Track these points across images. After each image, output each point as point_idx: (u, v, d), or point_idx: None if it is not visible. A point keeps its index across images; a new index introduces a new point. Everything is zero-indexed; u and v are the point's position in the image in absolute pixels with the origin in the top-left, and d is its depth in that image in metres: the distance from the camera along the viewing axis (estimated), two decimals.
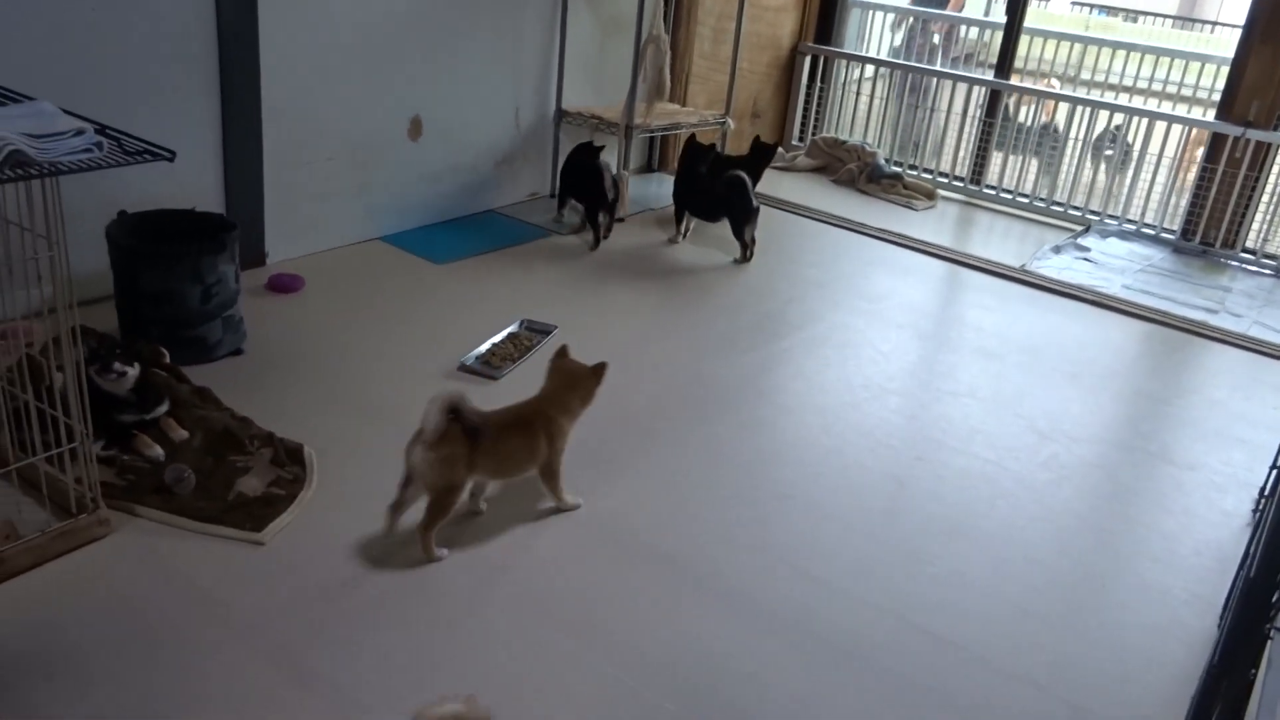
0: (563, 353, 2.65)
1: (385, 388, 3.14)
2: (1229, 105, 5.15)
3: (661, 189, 5.43)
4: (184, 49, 3.44)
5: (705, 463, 2.94)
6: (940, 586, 2.51)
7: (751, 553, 2.56)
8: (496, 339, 3.47)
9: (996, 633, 2.37)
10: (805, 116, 6.47)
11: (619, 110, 4.77)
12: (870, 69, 6.56)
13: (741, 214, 4.44)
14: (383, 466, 2.74)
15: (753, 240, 4.51)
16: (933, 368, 3.79)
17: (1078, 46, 8.13)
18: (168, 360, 2.97)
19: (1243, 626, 1.44)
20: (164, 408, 2.70)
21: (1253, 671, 1.13)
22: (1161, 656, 2.35)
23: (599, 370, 2.62)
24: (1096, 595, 2.56)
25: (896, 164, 6.15)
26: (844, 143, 6.18)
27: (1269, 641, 1.15)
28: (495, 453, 2.41)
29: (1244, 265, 5.21)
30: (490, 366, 3.29)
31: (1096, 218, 5.64)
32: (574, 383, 2.61)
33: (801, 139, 6.49)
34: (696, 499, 2.76)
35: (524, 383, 3.23)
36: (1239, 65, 5.10)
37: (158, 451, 2.59)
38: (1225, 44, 5.32)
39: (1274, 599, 1.21)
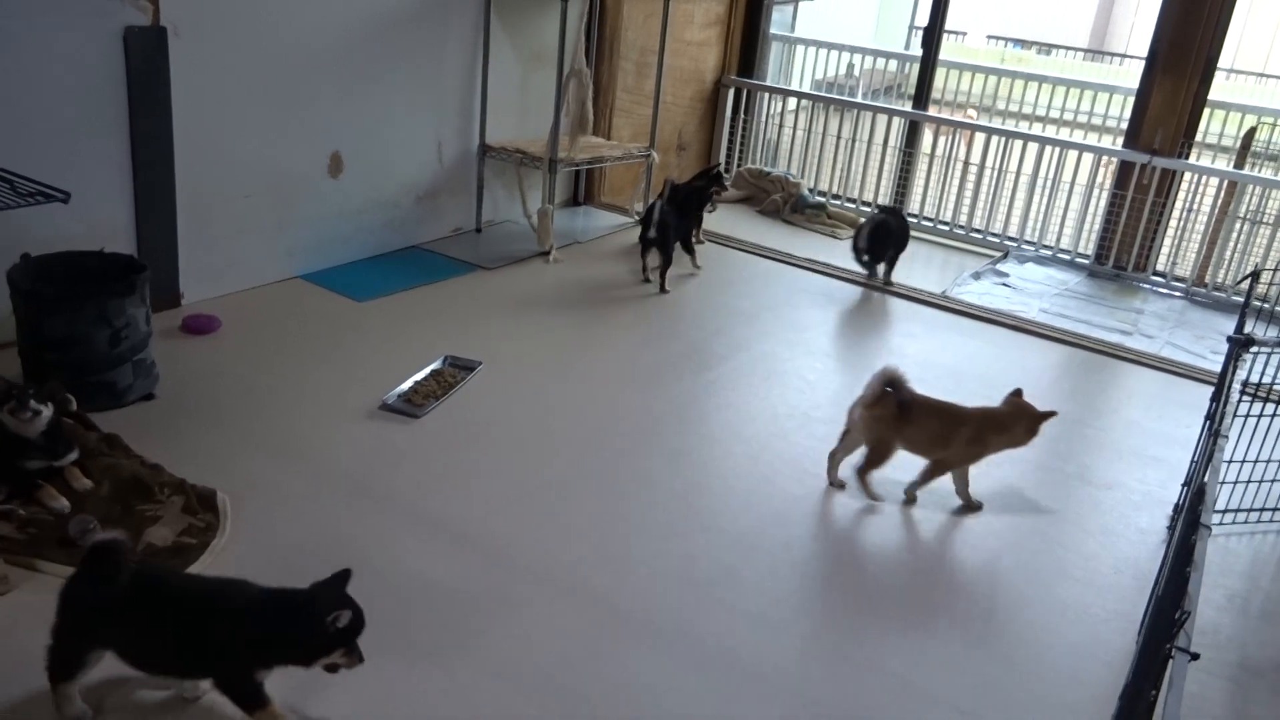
0: (1019, 393, 3.00)
1: (304, 429, 3.07)
2: (1136, 134, 5.33)
3: (588, 222, 5.43)
4: (91, 88, 3.36)
5: (634, 496, 2.92)
6: (868, 614, 2.52)
7: (682, 587, 2.54)
8: (419, 376, 3.42)
9: (924, 658, 2.37)
10: (730, 148, 6.55)
11: (543, 144, 4.77)
12: (793, 101, 6.67)
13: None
14: (301, 510, 2.68)
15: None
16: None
17: (993, 78, 8.39)
18: (74, 407, 2.87)
19: (1153, 646, 1.46)
20: (74, 455, 2.60)
21: (1154, 692, 1.15)
22: (1084, 676, 2.38)
23: (1044, 417, 2.93)
24: (1019, 617, 2.59)
25: (820, 194, 6.24)
26: (768, 174, 6.26)
27: (1170, 661, 1.16)
28: (917, 428, 2.92)
29: (1155, 288, 5.37)
30: (412, 404, 3.24)
31: (1014, 244, 5.78)
32: (1019, 416, 2.94)
33: (727, 170, 6.56)
34: (626, 533, 2.74)
35: (449, 421, 3.20)
36: (1143, 96, 5.28)
37: (63, 503, 2.49)
38: (1133, 75, 5.52)
39: (1176, 616, 1.23)
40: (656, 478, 3.03)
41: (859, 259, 4.96)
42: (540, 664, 2.21)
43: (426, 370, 3.47)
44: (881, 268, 4.95)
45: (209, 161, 3.75)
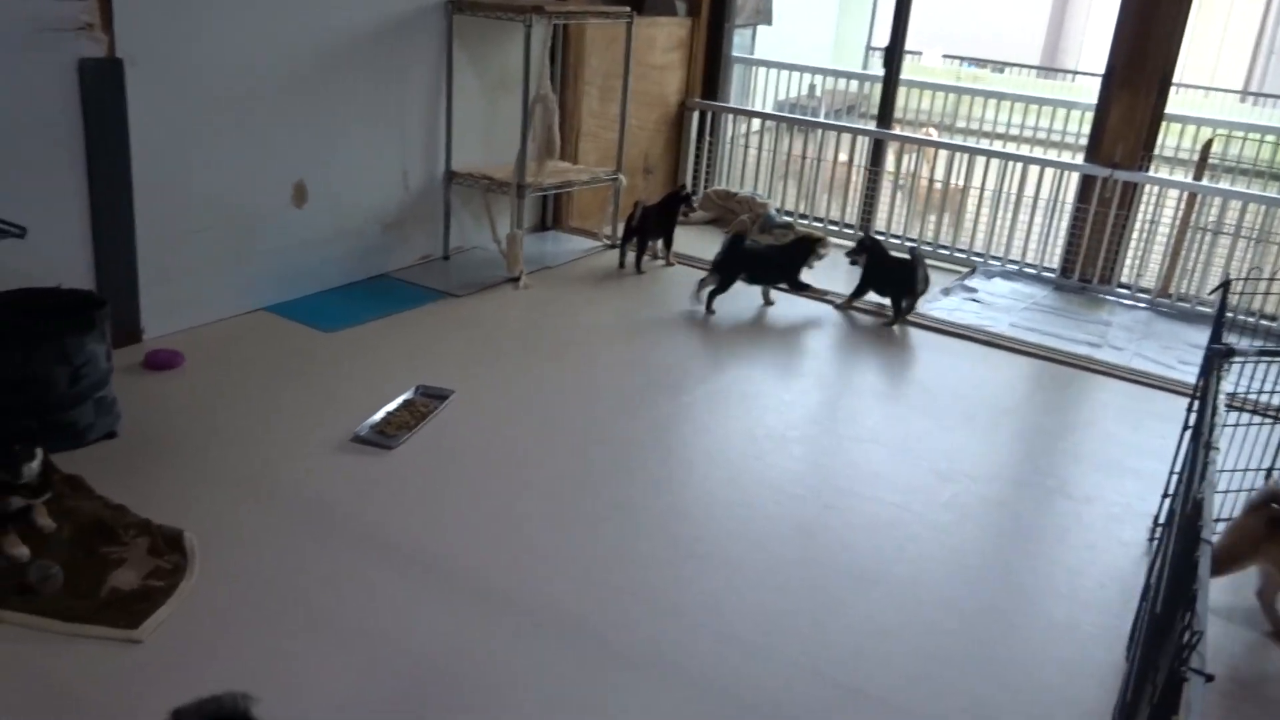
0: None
1: (274, 465, 2.99)
2: (1096, 148, 5.39)
3: (557, 246, 5.40)
4: (46, 121, 3.28)
5: (614, 524, 2.87)
6: (854, 636, 2.48)
7: (670, 616, 2.49)
8: (391, 407, 3.36)
9: (912, 680, 2.34)
10: (696, 170, 6.55)
11: (510, 169, 4.74)
12: (757, 122, 6.69)
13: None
14: (273, 548, 2.60)
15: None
16: (834, 414, 3.80)
17: (952, 97, 8.47)
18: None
19: (1148, 665, 1.43)
20: (49, 493, 2.51)
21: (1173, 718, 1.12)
22: (1074, 693, 2.36)
23: None
24: (1007, 634, 2.57)
25: (787, 214, 6.25)
26: (735, 195, 6.27)
27: (1185, 684, 1.13)
28: None
29: (1121, 300, 5.41)
30: (385, 436, 3.17)
31: (981, 259, 5.81)
32: None
33: (694, 192, 6.55)
34: (607, 563, 2.69)
35: (423, 452, 3.13)
36: (1102, 111, 5.35)
37: (23, 551, 2.40)
38: (1086, 91, 5.62)
39: (1188, 639, 1.20)
40: (636, 504, 2.99)
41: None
42: (525, 702, 2.15)
43: (398, 400, 3.40)
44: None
45: (169, 193, 3.67)
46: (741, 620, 2.50)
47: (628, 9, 5.15)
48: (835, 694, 2.27)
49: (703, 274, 4.77)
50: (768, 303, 4.82)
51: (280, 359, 3.72)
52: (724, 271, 4.68)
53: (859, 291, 4.82)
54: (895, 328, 4.66)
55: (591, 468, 3.18)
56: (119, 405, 3.07)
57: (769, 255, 4.94)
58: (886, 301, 4.75)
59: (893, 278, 4.72)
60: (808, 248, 4.88)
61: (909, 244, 5.76)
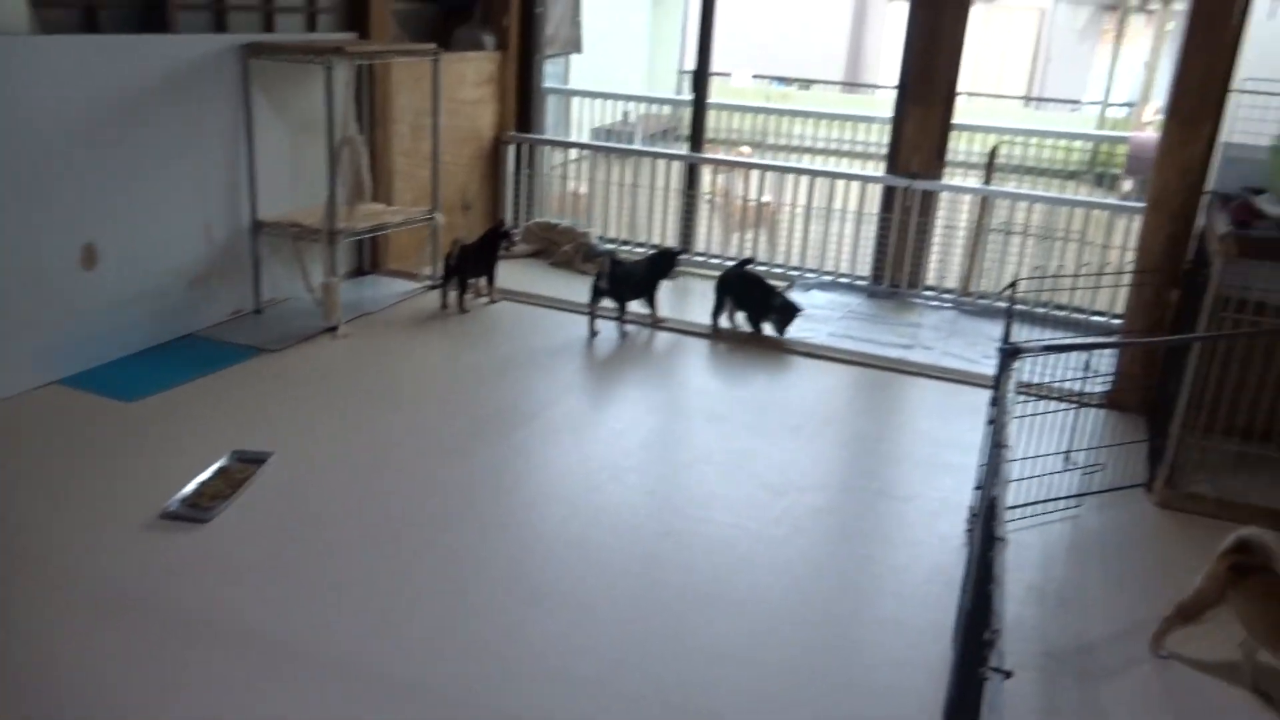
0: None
1: (74, 550, 2.78)
2: (895, 160, 5.68)
3: (376, 291, 5.26)
4: None
5: (450, 575, 2.80)
6: (699, 661, 2.50)
7: (508, 665, 2.44)
8: (204, 476, 3.17)
9: (757, 698, 2.37)
10: (516, 204, 6.53)
11: (320, 215, 4.59)
12: (574, 151, 6.73)
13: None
14: (76, 642, 2.42)
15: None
16: (666, 439, 3.84)
17: (761, 116, 8.78)
18: None
19: (969, 662, 1.49)
20: None
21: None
22: (909, 689, 2.44)
23: None
24: (843, 639, 2.64)
25: (609, 241, 6.30)
26: (557, 226, 6.28)
27: (986, 684, 1.18)
28: (1250, 602, 2.45)
29: (928, 302, 5.70)
30: (198, 509, 2.99)
31: (798, 273, 6.01)
32: None
33: (515, 226, 6.53)
34: (447, 618, 2.61)
35: (241, 521, 2.98)
36: (898, 125, 5.63)
37: None
38: (887, 104, 5.93)
39: (985, 637, 1.25)
40: (474, 553, 2.92)
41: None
42: None
43: (212, 469, 3.22)
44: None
45: None
46: (587, 659, 2.47)
47: (433, 45, 5.09)
48: (690, 718, 2.28)
49: (579, 306, 4.87)
50: (594, 333, 4.84)
51: (77, 435, 3.47)
52: (615, 291, 4.80)
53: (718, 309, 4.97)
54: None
55: (424, 519, 3.09)
56: None
57: (634, 270, 4.98)
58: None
59: (751, 297, 4.89)
60: (670, 259, 5.01)
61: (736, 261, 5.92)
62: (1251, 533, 2.50)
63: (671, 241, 6.26)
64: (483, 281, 5.17)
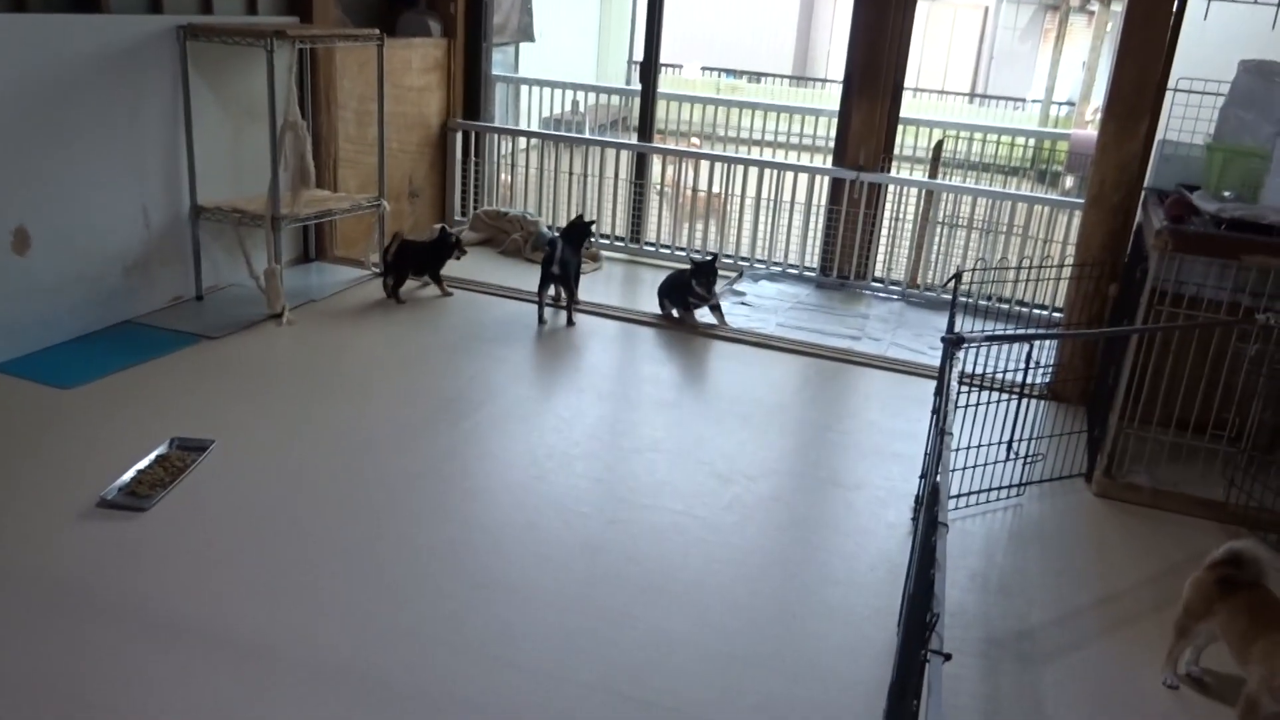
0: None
1: (9, 541, 2.70)
2: (842, 153, 5.72)
3: (322, 278, 5.18)
4: None
5: (396, 563, 2.77)
6: (646, 649, 2.50)
7: (452, 651, 2.42)
8: (143, 464, 3.10)
9: (704, 685, 2.38)
10: (465, 192, 6.47)
11: (263, 201, 4.51)
12: (524, 140, 6.69)
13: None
14: (13, 637, 2.35)
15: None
16: (614, 426, 3.84)
17: (710, 108, 8.79)
18: None
19: (911, 647, 1.50)
20: None
21: (915, 702, 1.18)
22: (854, 675, 2.47)
23: None
24: (790, 626, 2.66)
25: (557, 230, 6.27)
26: (506, 214, 6.23)
27: (926, 665, 1.19)
28: (1234, 616, 2.35)
29: (876, 293, 5.77)
30: (136, 497, 2.93)
31: (747, 263, 6.04)
32: None
33: (464, 214, 6.47)
34: (390, 604, 2.59)
35: (181, 509, 2.92)
36: (845, 118, 5.68)
37: None
38: (834, 98, 5.98)
39: (926, 619, 1.26)
40: (418, 541, 2.90)
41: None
42: None
43: (151, 456, 3.16)
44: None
45: None
46: (532, 647, 2.46)
47: (376, 31, 5.02)
48: (629, 709, 2.28)
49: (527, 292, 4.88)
50: (542, 321, 4.82)
51: (9, 423, 3.37)
52: (564, 277, 4.82)
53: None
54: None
55: (369, 507, 3.06)
56: None
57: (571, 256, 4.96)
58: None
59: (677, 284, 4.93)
60: (584, 228, 5.07)
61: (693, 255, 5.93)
62: (1244, 545, 2.42)
63: (622, 232, 6.25)
64: (426, 279, 5.11)
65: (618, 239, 6.31)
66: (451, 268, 5.18)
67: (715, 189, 6.14)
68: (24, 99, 3.75)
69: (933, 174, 6.27)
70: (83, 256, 4.10)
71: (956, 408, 2.39)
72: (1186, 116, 3.90)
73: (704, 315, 4.94)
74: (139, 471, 3.07)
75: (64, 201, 3.97)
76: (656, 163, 6.41)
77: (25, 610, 2.44)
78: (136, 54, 4.19)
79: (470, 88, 6.36)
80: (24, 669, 2.25)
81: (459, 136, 6.33)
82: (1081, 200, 4.64)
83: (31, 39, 3.76)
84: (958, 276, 3.27)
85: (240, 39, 4.41)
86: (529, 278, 5.51)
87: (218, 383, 3.86)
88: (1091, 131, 7.70)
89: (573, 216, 5.14)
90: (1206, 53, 4.11)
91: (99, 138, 4.08)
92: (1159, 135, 4.07)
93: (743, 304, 5.41)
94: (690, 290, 4.88)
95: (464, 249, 5.22)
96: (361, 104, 5.39)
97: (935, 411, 2.83)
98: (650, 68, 6.13)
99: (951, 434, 1.91)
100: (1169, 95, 3.98)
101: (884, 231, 5.76)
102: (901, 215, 5.77)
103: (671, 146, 6.96)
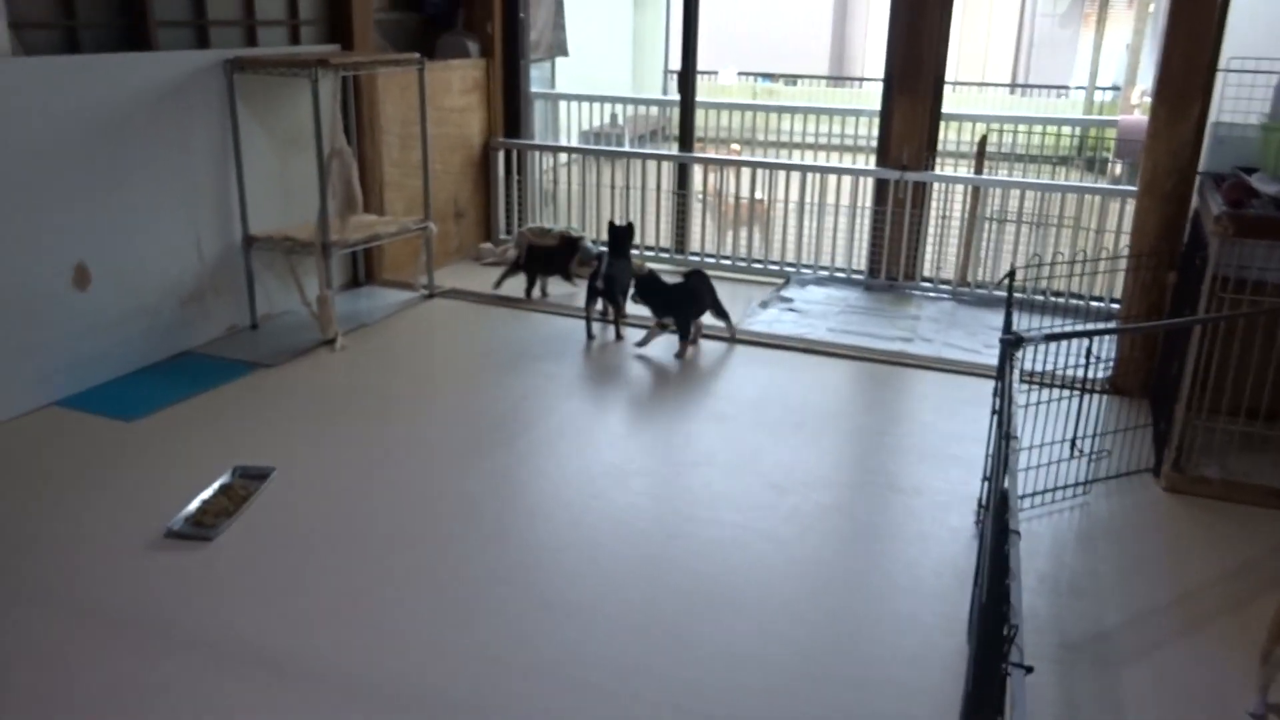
0: None
1: (79, 572, 2.76)
2: (885, 153, 5.67)
3: (372, 302, 5.24)
4: None
5: (460, 586, 2.78)
6: (710, 665, 2.48)
7: (527, 672, 2.42)
8: (206, 494, 3.15)
9: (770, 699, 2.35)
10: (508, 209, 6.51)
11: (312, 229, 4.57)
12: (564, 155, 6.72)
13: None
14: (88, 666, 2.39)
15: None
16: (668, 440, 3.82)
17: (750, 113, 8.77)
18: None
19: (985, 658, 1.47)
20: None
21: (999, 718, 1.15)
22: (925, 684, 2.42)
23: None
24: (855, 637, 2.62)
25: (602, 245, 6.28)
26: (550, 230, 6.25)
27: (1008, 679, 1.16)
28: None
29: (926, 293, 5.70)
30: (202, 527, 2.97)
31: (793, 269, 6.00)
32: None
33: (508, 232, 6.51)
34: (456, 627, 2.59)
35: (246, 538, 2.96)
36: (886, 117, 5.63)
37: None
38: (874, 97, 5.93)
39: (1005, 633, 1.23)
40: (481, 562, 2.90)
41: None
42: None
43: (214, 486, 3.20)
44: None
45: None
46: (599, 667, 2.45)
47: (416, 55, 5.08)
48: None
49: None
50: (591, 336, 4.82)
51: (77, 456, 3.45)
52: (610, 292, 4.78)
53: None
54: (688, 352, 4.65)
55: (430, 530, 3.07)
56: None
57: (624, 272, 4.89)
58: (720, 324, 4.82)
59: (672, 299, 4.70)
60: (626, 233, 5.02)
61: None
62: None
63: (667, 243, 6.24)
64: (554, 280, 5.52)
65: (663, 250, 6.30)
66: (505, 286, 5.22)
67: (758, 195, 6.12)
68: (80, 138, 3.85)
69: (978, 169, 6.19)
70: (141, 290, 4.18)
71: (1017, 408, 2.34)
72: (1240, 97, 3.79)
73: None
74: (204, 501, 3.11)
75: (121, 236, 4.06)
76: (698, 172, 6.40)
77: (99, 643, 2.49)
78: (186, 89, 4.28)
79: (510, 106, 6.41)
80: (100, 702, 2.29)
81: (500, 155, 6.37)
82: (1133, 188, 4.55)
83: (85, 79, 3.86)
84: (1011, 274, 3.21)
85: (285, 70, 4.48)
86: (574, 293, 5.53)
87: (275, 410, 3.91)
88: (1140, 116, 7.56)
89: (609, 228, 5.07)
90: (1259, 31, 4.00)
91: (152, 172, 4.17)
92: (1211, 118, 3.97)
93: (791, 310, 5.37)
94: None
95: (592, 257, 5.47)
96: (405, 127, 5.45)
97: (996, 413, 2.78)
98: (688, 78, 6.13)
99: (1016, 438, 1.87)
100: (1220, 76, 3.88)
101: (931, 230, 5.69)
102: (948, 213, 5.69)
103: (712, 155, 6.95)
